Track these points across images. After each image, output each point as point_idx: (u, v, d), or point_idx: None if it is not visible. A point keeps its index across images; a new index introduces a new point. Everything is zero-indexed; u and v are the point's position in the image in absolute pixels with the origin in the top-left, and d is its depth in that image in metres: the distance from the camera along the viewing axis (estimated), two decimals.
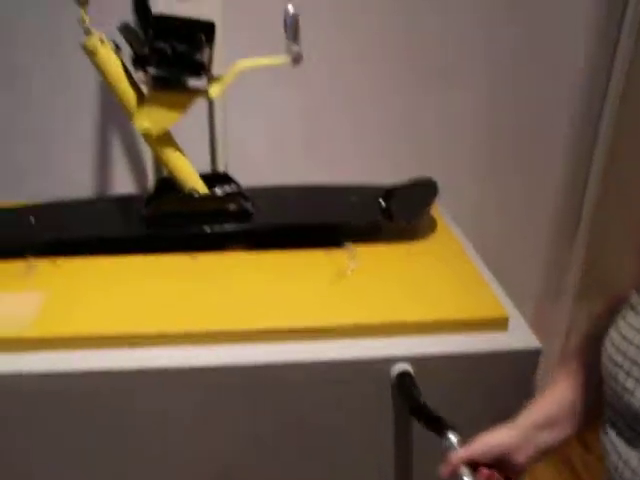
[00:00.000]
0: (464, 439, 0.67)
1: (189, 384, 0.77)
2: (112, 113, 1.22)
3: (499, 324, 0.83)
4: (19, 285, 0.87)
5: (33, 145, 1.23)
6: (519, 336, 0.82)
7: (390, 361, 0.78)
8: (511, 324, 0.83)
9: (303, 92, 1.23)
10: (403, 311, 0.82)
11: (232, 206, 0.97)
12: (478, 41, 1.25)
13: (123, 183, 1.27)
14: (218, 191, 0.99)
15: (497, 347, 0.80)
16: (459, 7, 1.22)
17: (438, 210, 1.08)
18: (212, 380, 0.77)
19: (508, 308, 0.86)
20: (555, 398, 0.69)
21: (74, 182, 1.25)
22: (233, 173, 1.01)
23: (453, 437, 0.68)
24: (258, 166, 1.10)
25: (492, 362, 0.81)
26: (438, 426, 0.70)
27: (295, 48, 0.90)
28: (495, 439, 0.66)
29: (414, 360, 0.78)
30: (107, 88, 0.91)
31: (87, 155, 1.25)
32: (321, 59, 1.17)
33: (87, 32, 0.87)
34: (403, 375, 0.78)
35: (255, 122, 1.23)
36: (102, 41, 0.88)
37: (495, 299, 0.86)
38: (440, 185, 1.05)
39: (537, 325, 0.90)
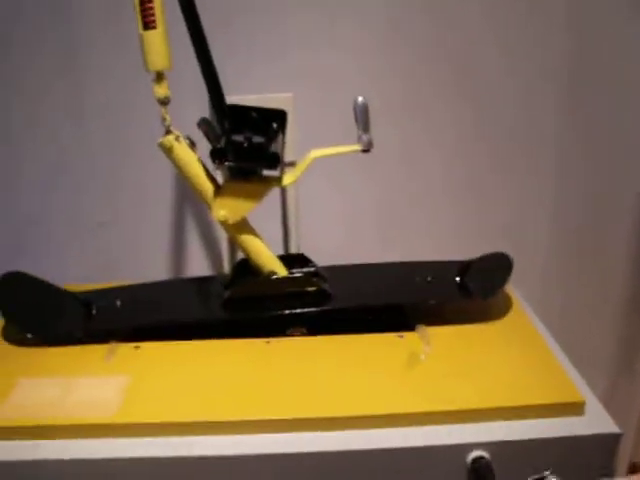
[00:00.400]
0: None
1: (266, 471, 0.78)
2: (187, 198, 1.27)
3: (575, 408, 0.82)
4: (101, 369, 0.90)
5: (116, 229, 1.29)
6: (596, 421, 0.81)
7: (466, 447, 0.78)
8: (587, 408, 0.82)
9: (375, 177, 1.26)
10: (478, 397, 0.82)
11: (311, 287, 0.99)
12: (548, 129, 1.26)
13: (198, 265, 1.31)
14: (296, 273, 1.01)
15: (574, 432, 0.79)
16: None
17: (509, 288, 1.08)
18: (287, 467, 0.78)
19: (584, 391, 0.85)
20: None
21: (150, 264, 1.30)
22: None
23: None
24: (329, 251, 1.13)
25: (569, 447, 0.80)
26: None
27: (365, 137, 0.93)
28: None
29: (490, 446, 0.78)
30: (183, 180, 0.96)
31: (164, 237, 1.30)
32: (394, 145, 1.21)
33: (167, 131, 0.92)
34: (479, 461, 0.78)
35: (326, 206, 1.27)
36: (178, 138, 0.92)
37: (570, 383, 0.85)
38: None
39: (611, 405, 0.89)
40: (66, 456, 0.77)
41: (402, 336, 0.95)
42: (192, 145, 0.94)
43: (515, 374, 0.87)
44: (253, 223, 0.99)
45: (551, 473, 0.71)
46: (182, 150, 0.93)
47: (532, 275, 1.33)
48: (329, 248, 1.20)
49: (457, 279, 1.04)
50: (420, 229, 1.32)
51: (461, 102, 1.24)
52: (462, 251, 1.08)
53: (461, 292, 1.02)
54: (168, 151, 0.92)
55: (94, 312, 1.02)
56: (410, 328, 0.97)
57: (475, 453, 0.78)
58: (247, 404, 0.82)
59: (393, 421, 0.80)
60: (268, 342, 0.95)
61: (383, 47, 1.20)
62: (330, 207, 1.28)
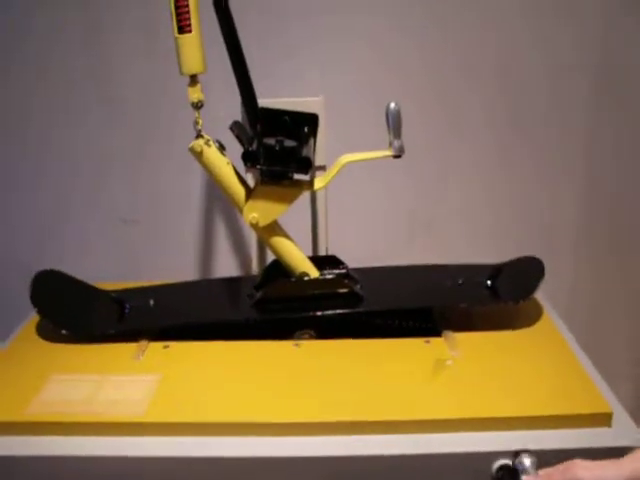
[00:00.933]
0: None
1: (293, 473, 0.79)
2: (216, 199, 1.28)
3: (603, 419, 0.81)
4: (132, 368, 0.91)
5: (144, 227, 1.31)
6: (623, 432, 0.80)
7: (491, 456, 0.78)
8: (615, 418, 0.82)
9: (406, 179, 1.27)
10: (504, 405, 0.82)
11: (342, 289, 0.99)
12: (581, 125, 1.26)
13: (226, 266, 1.32)
14: (328, 274, 1.02)
15: (601, 443, 0.79)
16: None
17: (539, 297, 1.08)
18: (315, 470, 0.79)
19: (611, 401, 0.84)
20: None
21: (178, 264, 1.32)
22: None
23: None
24: (358, 255, 1.13)
25: (596, 458, 0.80)
26: None
27: (397, 142, 0.93)
28: None
29: (516, 455, 0.78)
30: (214, 183, 0.97)
31: (192, 238, 1.32)
32: (425, 147, 1.21)
33: (198, 135, 0.93)
34: (504, 470, 0.78)
35: (356, 209, 1.28)
36: (208, 142, 0.93)
37: (598, 393, 0.85)
38: None
39: (638, 415, 0.89)
40: (95, 453, 0.78)
41: (429, 341, 0.96)
42: (222, 149, 0.95)
43: (542, 383, 0.87)
44: (283, 225, 1.00)
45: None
46: (212, 154, 0.94)
47: (560, 282, 1.32)
48: (358, 251, 1.20)
49: (488, 282, 1.04)
50: (451, 231, 1.32)
51: (497, 102, 1.24)
52: (494, 254, 1.09)
53: (492, 296, 1.02)
54: (198, 155, 0.93)
55: (127, 311, 1.04)
56: (437, 334, 0.97)
57: (500, 462, 0.78)
58: (275, 406, 0.83)
59: (418, 427, 0.80)
60: (297, 344, 0.95)
61: (415, 49, 1.21)
62: (360, 210, 1.29)
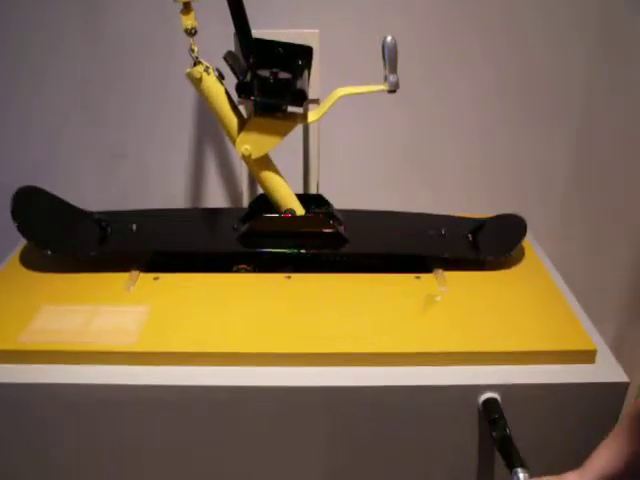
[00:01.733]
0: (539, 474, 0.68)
1: (278, 403, 0.80)
2: (208, 132, 1.27)
3: (587, 356, 0.83)
4: (123, 298, 0.92)
5: (132, 159, 1.29)
6: (606, 369, 0.83)
7: (478, 389, 0.80)
8: (598, 356, 0.84)
9: (405, 114, 1.25)
10: (491, 340, 0.84)
11: (327, 229, 0.99)
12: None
13: (217, 199, 1.31)
14: (314, 213, 1.02)
15: (584, 379, 0.81)
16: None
17: (528, 240, 1.08)
18: (302, 400, 0.80)
19: (595, 339, 0.86)
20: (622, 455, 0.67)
21: (169, 194, 1.31)
22: (326, 195, 1.04)
23: (522, 475, 0.70)
24: (352, 189, 1.13)
25: (579, 394, 0.81)
26: (510, 460, 0.73)
27: (392, 77, 0.92)
28: None
29: (501, 389, 0.80)
30: (210, 112, 0.96)
31: (183, 167, 1.31)
32: (425, 79, 1.20)
33: (196, 62, 0.91)
34: (490, 403, 0.79)
35: (349, 144, 1.27)
36: (207, 70, 0.92)
37: (583, 331, 0.86)
38: (532, 218, 1.06)
39: (620, 353, 0.91)
40: (87, 381, 0.79)
41: (419, 277, 0.96)
42: (221, 77, 0.94)
43: (529, 320, 0.88)
44: (274, 158, 0.99)
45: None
46: (211, 82, 0.92)
47: (552, 223, 1.33)
48: (349, 187, 1.21)
49: (470, 236, 1.05)
50: (444, 172, 1.31)
51: (497, 40, 1.23)
52: (486, 197, 1.09)
53: (473, 249, 1.03)
54: (197, 82, 0.92)
55: (109, 233, 1.03)
56: (427, 270, 0.98)
57: (487, 394, 0.79)
58: (263, 337, 0.84)
59: (407, 360, 0.82)
60: (289, 277, 0.96)
61: None
62: (352, 145, 1.28)
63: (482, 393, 0.80)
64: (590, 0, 1.20)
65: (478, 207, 1.14)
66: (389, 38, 0.91)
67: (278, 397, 0.80)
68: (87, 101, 1.26)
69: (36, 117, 1.28)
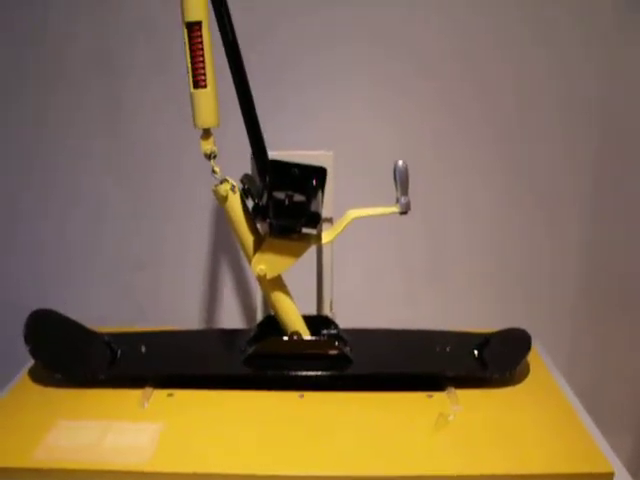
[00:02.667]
0: None
1: None
2: (224, 247, 1.30)
3: (604, 479, 0.82)
4: (137, 415, 0.92)
5: (146, 272, 1.32)
6: None
7: None
8: (616, 478, 0.82)
9: (415, 233, 1.28)
10: (505, 463, 0.83)
11: (332, 351, 1.01)
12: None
13: (230, 315, 1.34)
14: (319, 336, 1.04)
15: None
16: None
17: (537, 352, 1.09)
18: None
19: (611, 459, 0.85)
20: None
21: (182, 311, 1.33)
22: (338, 313, 1.06)
23: None
24: (363, 308, 1.14)
25: None
26: None
27: (404, 199, 0.95)
28: None
29: None
30: (230, 228, 0.98)
31: (197, 285, 1.33)
32: (429, 202, 1.23)
33: (222, 181, 0.94)
34: None
35: (361, 264, 1.30)
36: (233, 188, 0.95)
37: (599, 451, 0.85)
38: (539, 328, 1.07)
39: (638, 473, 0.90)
40: None
41: (431, 396, 0.97)
42: (246, 195, 0.97)
43: (542, 440, 0.88)
44: (288, 275, 1.01)
45: None
46: (236, 201, 0.95)
47: (561, 336, 1.34)
48: (362, 303, 1.22)
49: (475, 352, 1.06)
50: (453, 289, 1.33)
51: (499, 170, 1.26)
52: (494, 312, 1.09)
53: (478, 366, 1.03)
54: (222, 199, 0.95)
55: (118, 356, 1.05)
56: (439, 387, 0.99)
57: None
58: (279, 458, 0.84)
59: None
60: (302, 395, 0.97)
61: (425, 109, 1.23)
62: (364, 262, 1.30)
63: None
64: (592, 98, 1.24)
65: (488, 317, 1.15)
66: (400, 162, 0.95)
67: None
68: (103, 214, 1.30)
69: (49, 229, 1.32)
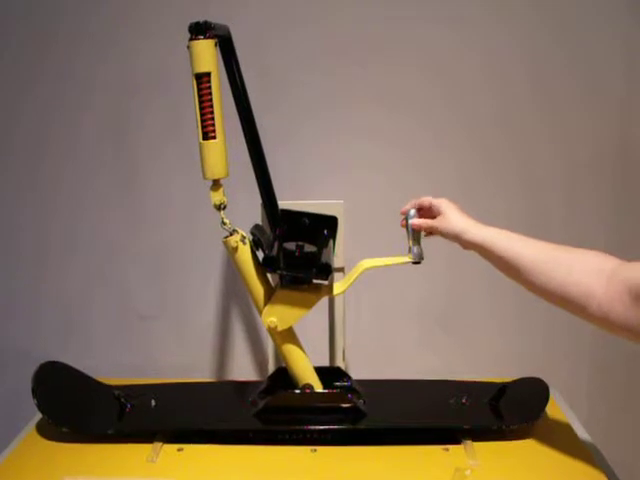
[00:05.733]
0: None
1: None
2: (234, 297, 1.29)
3: None
4: (146, 470, 0.90)
5: (162, 322, 1.32)
6: None
7: None
8: None
9: (426, 280, 1.26)
10: None
11: (345, 404, 0.99)
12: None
13: (242, 366, 1.32)
14: (331, 388, 1.01)
15: None
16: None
17: (556, 401, 1.07)
18: None
19: None
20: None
21: (192, 362, 1.32)
22: (351, 364, 1.04)
23: None
24: (376, 357, 1.12)
25: None
26: None
27: (416, 249, 0.94)
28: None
29: None
30: (238, 278, 0.97)
31: (208, 336, 1.32)
32: (440, 250, 1.21)
33: (232, 232, 0.94)
34: None
35: (373, 313, 1.28)
36: (244, 240, 0.94)
37: None
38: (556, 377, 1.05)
39: None
40: None
41: (447, 449, 0.94)
42: (256, 246, 0.96)
43: None
44: (300, 326, 1.00)
45: None
46: (246, 252, 0.94)
47: (580, 387, 1.31)
48: (375, 353, 1.20)
49: (492, 403, 1.03)
50: (467, 336, 1.31)
51: (520, 207, 1.25)
52: (507, 360, 1.07)
53: (495, 418, 1.01)
54: (232, 251, 0.94)
55: (127, 410, 1.04)
56: (455, 440, 0.96)
57: None
58: None
59: None
60: (314, 450, 0.95)
61: (434, 161, 1.23)
62: (376, 311, 1.29)
63: None
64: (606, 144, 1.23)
65: (503, 365, 1.13)
66: (412, 212, 0.94)
67: None
68: (117, 263, 1.30)
69: (67, 272, 1.31)
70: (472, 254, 1.23)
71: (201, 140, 0.90)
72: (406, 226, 0.94)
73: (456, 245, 1.22)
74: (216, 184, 0.92)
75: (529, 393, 1.04)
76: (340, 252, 1.03)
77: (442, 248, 1.21)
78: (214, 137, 0.90)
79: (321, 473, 0.90)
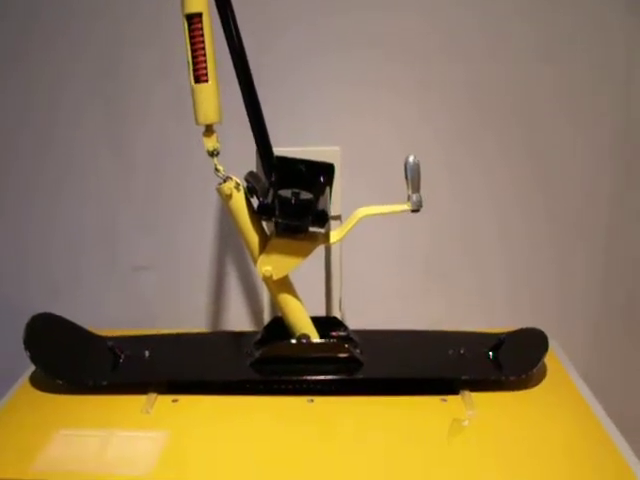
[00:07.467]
0: None
1: None
2: (230, 246, 1.27)
3: None
4: (140, 422, 0.90)
5: (155, 273, 1.29)
6: None
7: None
8: None
9: (421, 234, 1.24)
10: (523, 474, 0.79)
11: (342, 353, 0.97)
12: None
13: (238, 317, 1.31)
14: (328, 338, 1.00)
15: None
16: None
17: (555, 352, 1.06)
18: None
19: (635, 469, 0.80)
20: None
21: (187, 313, 1.30)
22: (348, 312, 1.02)
23: None
24: (374, 304, 1.10)
25: None
26: None
27: (415, 197, 0.91)
28: None
29: None
30: (233, 227, 0.95)
31: (202, 286, 1.30)
32: (443, 197, 1.19)
33: (225, 179, 0.91)
34: None
35: (371, 260, 1.26)
36: (238, 187, 0.92)
37: (624, 463, 0.81)
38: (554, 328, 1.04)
39: None
40: None
41: (445, 400, 0.93)
42: (251, 193, 0.94)
43: (561, 450, 0.84)
44: (296, 274, 0.98)
45: None
46: (240, 199, 0.92)
47: (578, 336, 1.30)
48: (373, 301, 1.19)
49: (490, 354, 1.02)
50: (466, 287, 1.29)
51: (522, 157, 1.22)
52: (507, 311, 1.05)
53: (494, 368, 1.00)
54: (226, 198, 0.92)
55: (121, 361, 1.02)
56: (452, 391, 0.95)
57: None
58: (286, 467, 0.81)
59: None
60: (311, 400, 0.94)
61: (439, 102, 1.19)
62: (374, 260, 1.27)
63: None
64: (605, 129, 1.20)
65: (501, 317, 1.13)
66: (411, 158, 0.91)
67: None
68: (108, 214, 1.27)
69: (57, 225, 1.29)
70: (476, 201, 1.22)
71: (193, 84, 0.87)
72: (405, 173, 0.91)
73: (459, 193, 1.22)
74: (209, 130, 0.90)
75: (528, 344, 1.03)
76: (337, 200, 1.00)
77: (444, 196, 1.20)
78: (206, 80, 0.87)
79: (317, 423, 0.90)
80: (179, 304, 1.30)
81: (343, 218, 1.02)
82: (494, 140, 1.21)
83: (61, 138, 1.23)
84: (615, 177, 1.22)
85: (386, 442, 0.85)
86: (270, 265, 0.94)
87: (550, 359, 1.02)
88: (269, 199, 0.91)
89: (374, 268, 1.26)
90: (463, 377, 0.97)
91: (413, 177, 0.91)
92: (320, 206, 0.91)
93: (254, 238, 0.94)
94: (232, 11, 0.87)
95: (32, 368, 1.01)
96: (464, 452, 0.83)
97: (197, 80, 0.87)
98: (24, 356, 0.96)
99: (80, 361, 1.02)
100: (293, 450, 0.84)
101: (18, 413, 0.93)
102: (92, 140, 1.22)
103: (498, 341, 1.03)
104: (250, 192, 0.93)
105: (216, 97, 0.88)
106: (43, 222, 1.28)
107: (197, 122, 0.89)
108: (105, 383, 0.96)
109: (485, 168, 1.22)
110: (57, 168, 1.24)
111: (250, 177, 0.94)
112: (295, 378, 0.96)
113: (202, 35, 0.85)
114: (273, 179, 0.92)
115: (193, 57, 0.86)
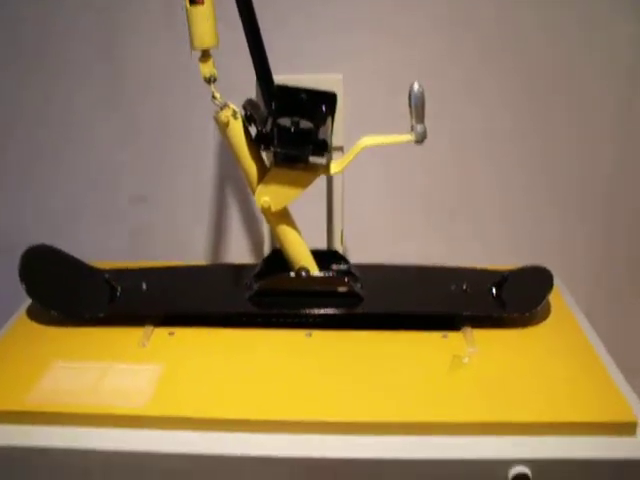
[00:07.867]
0: None
1: (294, 473, 0.76)
2: (230, 177, 1.25)
3: (627, 429, 0.77)
4: (136, 355, 0.89)
5: (152, 205, 1.28)
6: None
7: (507, 463, 0.74)
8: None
9: (426, 166, 1.21)
10: (522, 410, 0.78)
11: (342, 288, 0.96)
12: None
13: (237, 249, 1.29)
14: (328, 272, 0.98)
15: (624, 454, 0.75)
16: None
17: (559, 290, 1.04)
18: (316, 471, 0.76)
19: (636, 409, 0.80)
20: None
21: (184, 245, 1.29)
22: (350, 247, 1.00)
23: None
24: (376, 240, 1.08)
25: (617, 469, 0.76)
26: None
27: (420, 127, 0.88)
28: None
29: (533, 463, 0.74)
30: (232, 157, 0.93)
31: (201, 218, 1.28)
32: (445, 133, 1.15)
33: (222, 107, 0.88)
34: (520, 479, 0.74)
35: (374, 195, 1.23)
36: (235, 115, 0.89)
37: (623, 400, 0.80)
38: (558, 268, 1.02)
39: None
40: (96, 446, 0.76)
41: (446, 336, 0.92)
42: (249, 121, 0.91)
43: (562, 386, 0.83)
44: (296, 208, 0.96)
45: None
46: (237, 127, 0.89)
47: (581, 273, 1.28)
48: (374, 236, 1.17)
49: (494, 290, 1.00)
50: (468, 223, 1.27)
51: (519, 93, 1.18)
52: (507, 249, 1.03)
53: (497, 305, 0.98)
54: (223, 126, 0.89)
55: (118, 293, 1.01)
56: (454, 327, 0.94)
57: (516, 469, 0.74)
58: (283, 402, 0.80)
59: (430, 430, 0.77)
60: (309, 334, 0.93)
61: (439, 32, 1.15)
62: (377, 194, 1.24)
63: (512, 468, 0.74)
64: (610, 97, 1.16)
65: (507, 254, 1.12)
66: (416, 86, 0.87)
67: (300, 467, 0.76)
68: (100, 146, 1.24)
69: (56, 158, 1.26)
70: (478, 138, 1.19)
71: (188, 5, 0.84)
72: (409, 102, 0.88)
73: (463, 125, 1.18)
74: (205, 55, 0.87)
75: (532, 281, 1.01)
76: (339, 130, 0.97)
77: (448, 127, 1.17)
78: (202, 2, 0.83)
79: (315, 356, 0.89)
80: (177, 236, 1.28)
81: (345, 149, 0.99)
82: (496, 86, 1.18)
83: (47, 63, 1.19)
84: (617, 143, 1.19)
85: (385, 377, 0.84)
86: (268, 196, 0.91)
87: (554, 297, 1.00)
88: (268, 127, 0.88)
89: (377, 202, 1.24)
90: (465, 313, 0.95)
91: (417, 106, 0.88)
92: (321, 136, 0.88)
93: (252, 168, 0.91)
94: None
95: (29, 301, 1.00)
96: (463, 387, 0.82)
97: (192, 2, 0.83)
98: (22, 290, 0.95)
99: (76, 293, 1.00)
100: (290, 383, 0.83)
101: (15, 346, 0.92)
102: (81, 65, 1.19)
103: (502, 278, 1.01)
104: (248, 120, 0.90)
105: (212, 20, 0.85)
106: (43, 155, 1.25)
107: (192, 47, 0.86)
108: (102, 315, 0.95)
109: (487, 100, 1.19)
110: (41, 93, 1.21)
111: (249, 105, 0.91)
112: (294, 312, 0.95)
113: None
114: (272, 108, 0.89)
115: None
